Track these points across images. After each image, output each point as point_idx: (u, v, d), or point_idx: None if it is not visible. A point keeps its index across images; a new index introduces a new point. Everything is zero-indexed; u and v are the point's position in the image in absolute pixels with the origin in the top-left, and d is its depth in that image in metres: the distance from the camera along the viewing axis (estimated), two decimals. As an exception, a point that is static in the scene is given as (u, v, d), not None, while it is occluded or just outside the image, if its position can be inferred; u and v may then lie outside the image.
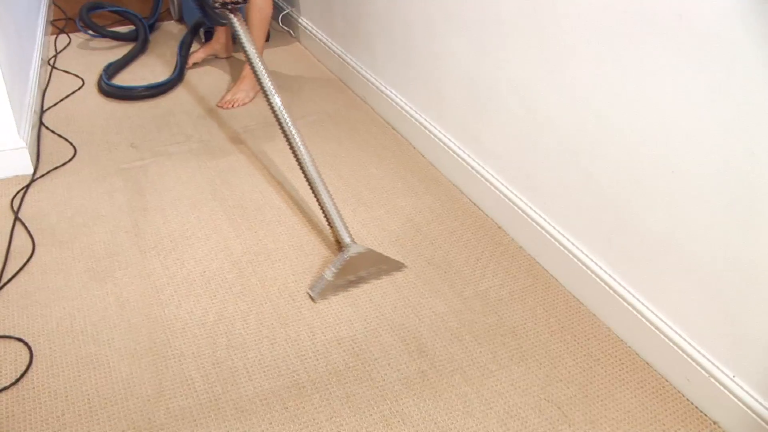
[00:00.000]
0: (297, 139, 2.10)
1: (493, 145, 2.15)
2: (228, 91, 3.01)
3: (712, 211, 1.46)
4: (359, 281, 1.96)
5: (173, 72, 3.13)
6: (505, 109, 2.05)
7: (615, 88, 1.63)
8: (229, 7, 2.49)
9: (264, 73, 2.23)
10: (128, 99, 2.96)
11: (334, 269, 1.92)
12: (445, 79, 2.33)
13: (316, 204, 2.23)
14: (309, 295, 1.91)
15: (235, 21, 2.41)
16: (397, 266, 2.01)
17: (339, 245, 2.06)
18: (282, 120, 2.12)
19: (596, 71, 1.67)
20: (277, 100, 2.15)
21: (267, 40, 3.56)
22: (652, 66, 1.51)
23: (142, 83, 3.04)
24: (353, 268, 1.95)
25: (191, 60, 3.29)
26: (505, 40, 1.98)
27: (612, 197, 1.73)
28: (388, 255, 2.03)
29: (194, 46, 3.42)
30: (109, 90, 2.98)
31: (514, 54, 1.96)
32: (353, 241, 1.99)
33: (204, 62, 3.35)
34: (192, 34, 3.35)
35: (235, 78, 3.18)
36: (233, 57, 3.43)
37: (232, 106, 2.91)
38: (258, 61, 2.26)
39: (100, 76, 3.06)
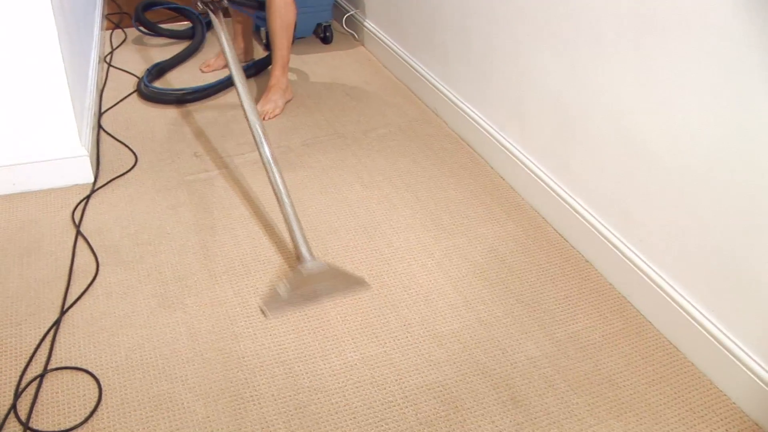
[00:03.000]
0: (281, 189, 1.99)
1: (583, 174, 2.01)
2: (257, 101, 2.83)
3: None
4: (316, 296, 1.86)
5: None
6: (599, 136, 1.91)
7: (732, 124, 1.48)
8: (211, 7, 2.36)
9: (247, 100, 2.12)
10: (166, 103, 2.83)
11: (287, 284, 1.85)
12: (529, 97, 2.19)
13: (394, 230, 2.11)
14: (261, 310, 1.82)
15: (217, 23, 2.30)
16: (358, 283, 1.91)
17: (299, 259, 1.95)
18: (269, 171, 2.02)
19: (711, 103, 1.52)
20: (266, 151, 2.04)
21: (327, 42, 3.45)
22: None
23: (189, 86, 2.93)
24: (308, 283, 1.87)
25: (208, 67, 3.14)
26: (603, 61, 1.84)
27: (721, 242, 1.59)
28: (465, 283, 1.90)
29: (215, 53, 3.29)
30: (149, 93, 2.84)
31: (611, 76, 1.82)
32: (312, 256, 1.91)
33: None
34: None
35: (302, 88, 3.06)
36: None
37: (264, 118, 2.74)
38: (240, 82, 2.16)
39: (141, 79, 2.92)
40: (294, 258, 1.99)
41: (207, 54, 3.30)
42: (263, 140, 2.03)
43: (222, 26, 2.29)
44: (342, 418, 1.54)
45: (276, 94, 2.79)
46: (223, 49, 2.25)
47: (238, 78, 2.16)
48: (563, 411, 1.58)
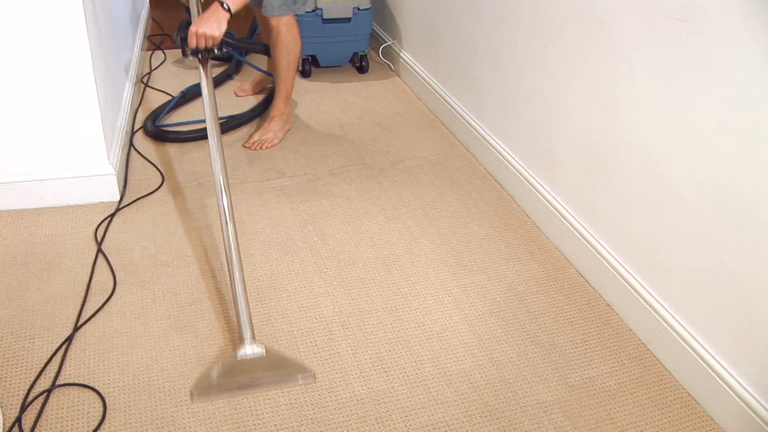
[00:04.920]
0: (231, 241, 1.86)
1: (610, 216, 1.98)
2: (257, 130, 2.83)
3: None
4: (252, 386, 1.65)
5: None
6: (628, 178, 1.88)
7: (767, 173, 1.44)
8: (199, 56, 2.24)
9: (218, 161, 2.01)
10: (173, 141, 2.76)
11: (221, 368, 1.68)
12: (560, 136, 2.17)
13: (414, 264, 2.09)
14: (191, 393, 1.63)
15: (203, 76, 2.19)
16: (302, 372, 1.69)
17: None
18: (224, 221, 1.90)
19: (746, 150, 1.48)
20: (224, 200, 1.94)
21: (363, 71, 3.47)
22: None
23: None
24: (245, 370, 1.67)
25: (243, 92, 3.17)
26: (635, 102, 1.81)
27: (748, 295, 1.54)
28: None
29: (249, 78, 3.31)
30: (155, 132, 2.77)
31: (643, 118, 1.79)
32: (254, 340, 1.72)
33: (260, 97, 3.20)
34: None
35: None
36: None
37: (261, 147, 2.74)
38: (216, 142, 2.06)
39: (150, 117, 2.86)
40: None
41: (238, 81, 3.33)
42: (226, 208, 1.94)
43: (208, 79, 2.19)
44: (343, 453, 1.52)
45: (277, 125, 2.80)
46: (204, 104, 2.15)
47: (213, 134, 2.08)
48: (572, 460, 1.54)
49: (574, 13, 2.01)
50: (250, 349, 1.70)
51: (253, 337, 1.73)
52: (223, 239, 1.88)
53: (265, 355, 1.70)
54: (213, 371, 1.68)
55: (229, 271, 1.85)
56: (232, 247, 1.85)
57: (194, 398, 1.62)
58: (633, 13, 1.77)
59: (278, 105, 2.80)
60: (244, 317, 1.74)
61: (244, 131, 2.85)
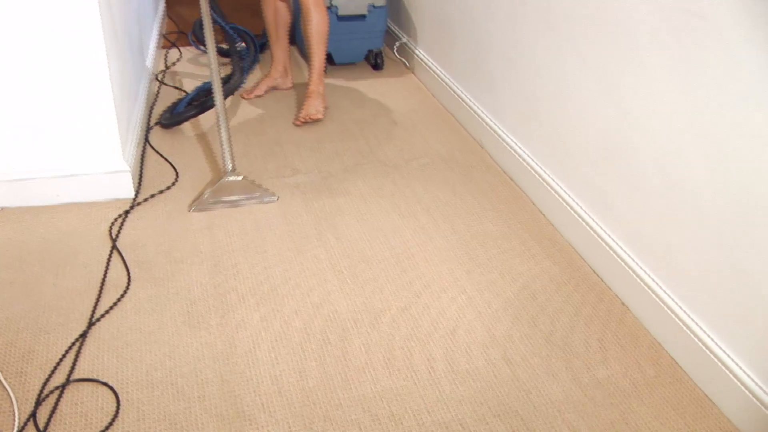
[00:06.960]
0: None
1: (624, 214, 1.96)
2: (299, 110, 2.95)
3: None
4: (232, 203, 2.32)
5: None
6: (643, 176, 1.86)
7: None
8: None
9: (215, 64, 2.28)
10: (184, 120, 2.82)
11: (210, 190, 2.33)
12: (574, 133, 2.15)
13: (428, 262, 2.09)
14: (188, 207, 2.30)
15: None
16: (268, 194, 2.36)
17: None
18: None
19: (763, 151, 1.46)
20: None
21: (378, 69, 3.46)
22: None
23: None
24: (228, 191, 2.35)
25: (253, 94, 3.13)
26: (650, 100, 1.79)
27: (765, 295, 1.52)
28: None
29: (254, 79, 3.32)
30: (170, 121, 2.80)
31: (658, 115, 1.77)
32: (234, 170, 2.37)
33: (271, 96, 3.19)
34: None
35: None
36: (296, 87, 3.27)
37: (309, 119, 2.86)
38: (214, 57, 2.27)
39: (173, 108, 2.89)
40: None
41: (256, 75, 3.33)
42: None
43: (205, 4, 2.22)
44: (355, 451, 1.52)
45: (317, 100, 2.90)
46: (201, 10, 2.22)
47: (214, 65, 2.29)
48: (585, 459, 1.53)
49: (588, 9, 2.00)
50: (231, 177, 2.37)
51: (234, 168, 2.38)
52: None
53: (240, 180, 2.37)
54: (205, 192, 2.34)
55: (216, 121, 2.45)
56: (218, 102, 2.31)
57: (192, 210, 2.29)
58: (647, 8, 1.76)
59: (313, 80, 2.92)
60: (226, 154, 2.35)
61: (257, 129, 2.85)
